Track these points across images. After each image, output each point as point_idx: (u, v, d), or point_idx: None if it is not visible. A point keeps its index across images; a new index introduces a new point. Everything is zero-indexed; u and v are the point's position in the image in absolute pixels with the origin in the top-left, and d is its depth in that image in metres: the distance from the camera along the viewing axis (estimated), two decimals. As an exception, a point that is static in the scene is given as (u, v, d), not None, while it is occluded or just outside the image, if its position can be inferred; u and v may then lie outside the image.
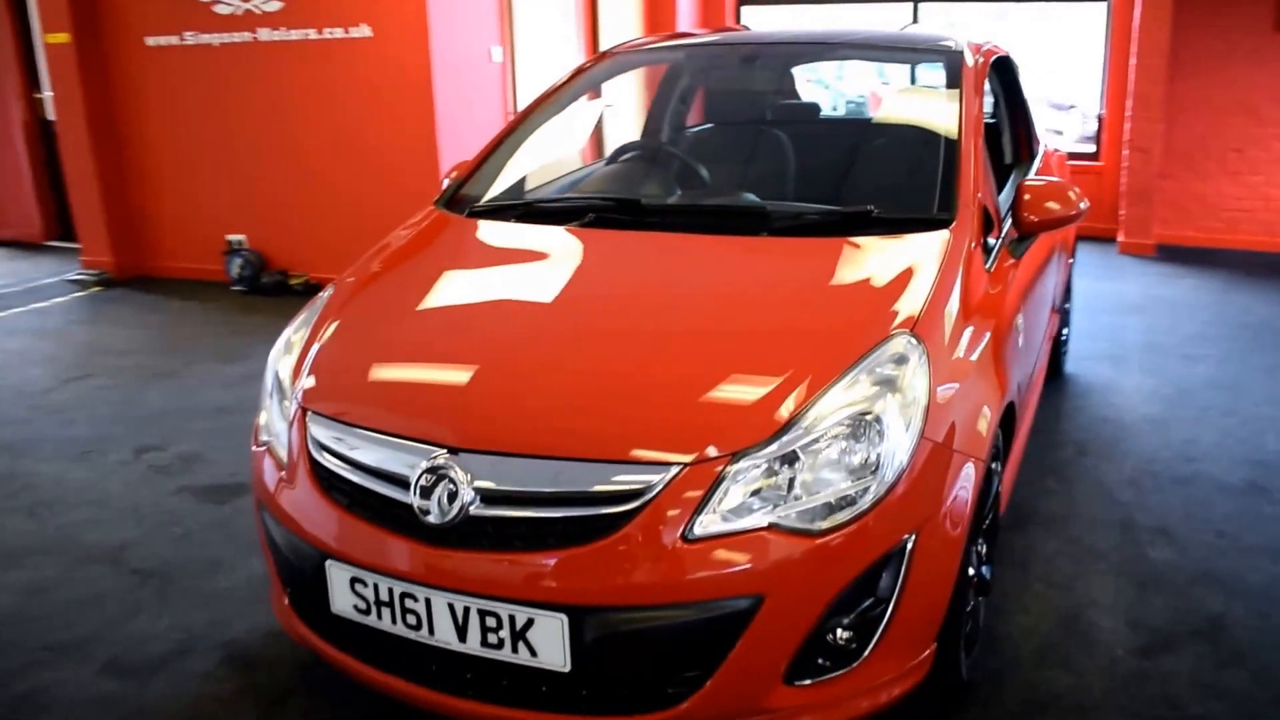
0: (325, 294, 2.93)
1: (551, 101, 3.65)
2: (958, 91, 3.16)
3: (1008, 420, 2.81)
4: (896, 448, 2.16)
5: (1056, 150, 4.96)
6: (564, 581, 2.07)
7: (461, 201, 3.29)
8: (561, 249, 2.95)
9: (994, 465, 2.69)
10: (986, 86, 3.97)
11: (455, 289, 2.86)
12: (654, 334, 2.48)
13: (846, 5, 9.55)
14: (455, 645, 2.18)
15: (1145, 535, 3.50)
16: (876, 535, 2.12)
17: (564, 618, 2.07)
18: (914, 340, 2.31)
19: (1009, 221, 3.11)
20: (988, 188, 3.03)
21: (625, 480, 2.08)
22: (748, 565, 2.05)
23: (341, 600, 2.32)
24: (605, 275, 2.82)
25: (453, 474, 2.16)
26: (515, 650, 2.13)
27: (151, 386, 5.27)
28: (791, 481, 2.11)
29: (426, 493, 2.17)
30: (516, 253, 3.02)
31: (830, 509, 2.10)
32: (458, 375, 2.41)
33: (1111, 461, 4.10)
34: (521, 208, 3.18)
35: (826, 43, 3.89)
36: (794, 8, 9.55)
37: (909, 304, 2.42)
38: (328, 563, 2.32)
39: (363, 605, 2.28)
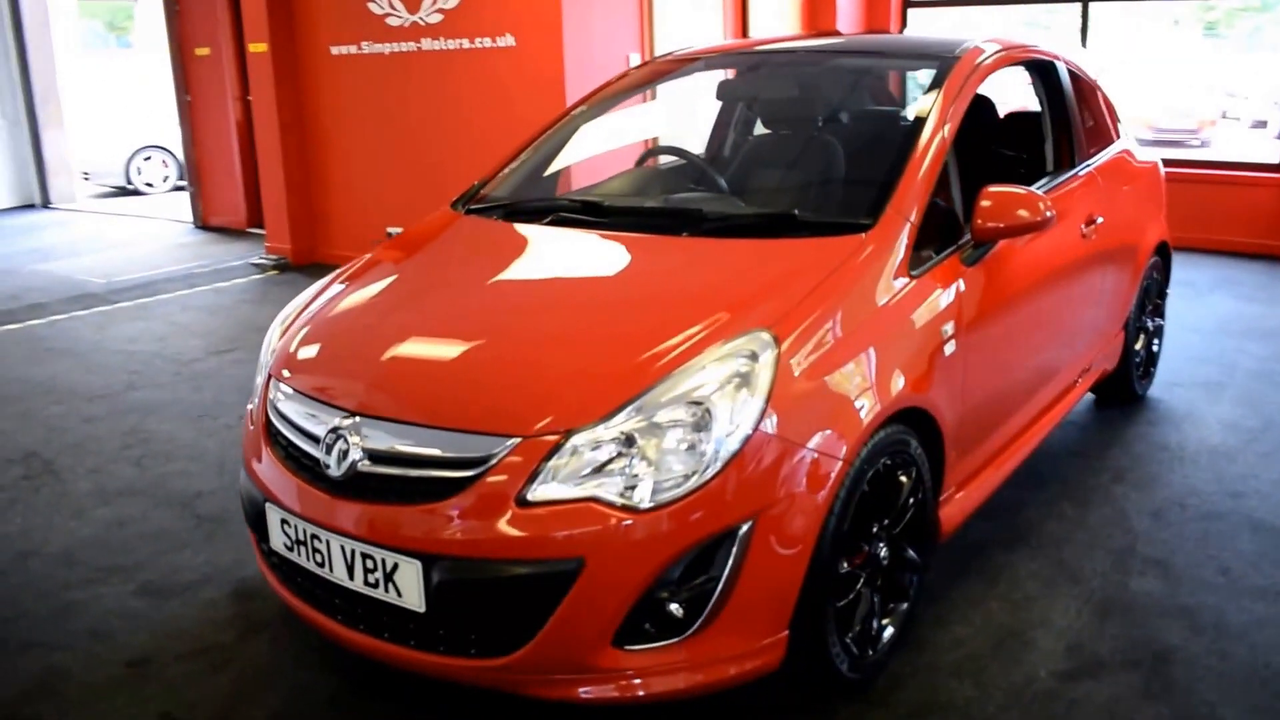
0: (327, 278, 3.32)
1: (587, 107, 3.92)
2: (934, 98, 3.19)
3: (931, 430, 2.83)
4: (727, 437, 2.31)
5: (1151, 162, 4.73)
6: (417, 532, 2.37)
7: (473, 200, 3.61)
8: (511, 245, 3.26)
9: (911, 471, 2.76)
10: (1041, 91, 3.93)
11: (415, 275, 3.22)
12: (546, 322, 2.76)
13: (1015, 6, 9.33)
14: (347, 582, 2.51)
15: (1139, 565, 3.38)
16: (701, 517, 2.29)
17: (418, 563, 2.36)
18: (769, 337, 2.44)
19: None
20: (948, 193, 3.06)
21: (474, 448, 2.36)
22: (570, 531, 2.27)
23: (275, 538, 2.69)
24: (533, 268, 3.13)
25: (348, 435, 2.48)
26: (387, 590, 2.43)
27: (277, 359, 5.89)
28: (625, 459, 2.30)
29: (330, 449, 2.51)
30: (477, 247, 3.34)
31: (655, 488, 2.28)
32: (374, 351, 2.76)
33: (1145, 491, 3.94)
34: (505, 207, 3.47)
35: (829, 50, 3.98)
36: (960, 9, 9.40)
37: (780, 303, 2.56)
38: (267, 505, 2.69)
39: (288, 543, 2.64)
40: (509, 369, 2.56)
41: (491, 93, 7.32)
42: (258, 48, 8.30)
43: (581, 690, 2.39)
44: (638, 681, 2.36)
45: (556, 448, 2.31)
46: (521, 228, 3.31)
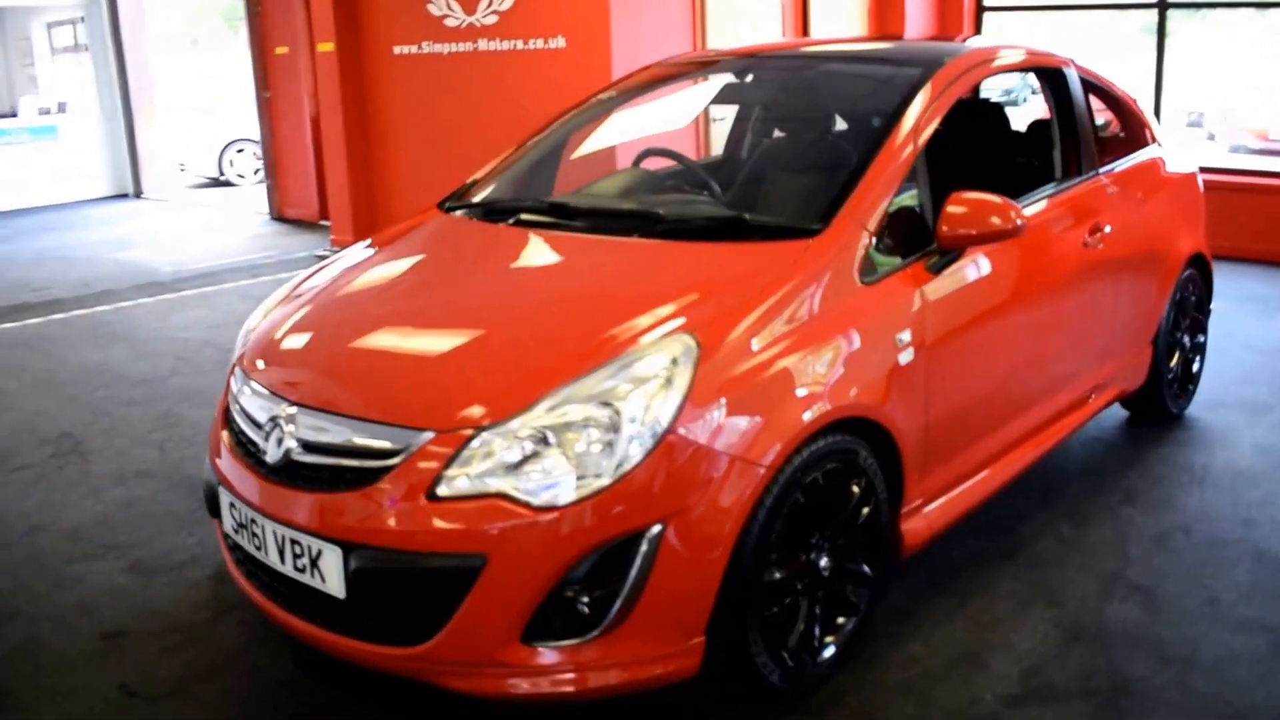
0: (305, 272, 3.42)
1: (583, 110, 3.94)
2: (909, 104, 3.12)
3: (886, 444, 2.77)
4: (636, 439, 2.31)
5: (1187, 171, 4.53)
6: (337, 519, 2.43)
7: (457, 200, 3.66)
8: (472, 245, 3.33)
9: (862, 481, 2.72)
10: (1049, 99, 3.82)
11: (378, 273, 3.27)
12: (482, 320, 2.79)
13: (1089, 11, 9.11)
14: (280, 566, 2.58)
15: (1122, 591, 3.25)
16: (609, 517, 2.29)
17: (339, 551, 2.42)
18: (692, 341, 2.42)
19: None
20: (923, 199, 2.99)
21: (389, 440, 2.41)
22: (475, 527, 2.30)
23: (226, 521, 2.80)
24: (485, 267, 3.17)
25: (284, 424, 2.54)
26: (313, 575, 2.50)
27: (314, 350, 6.05)
28: (536, 457, 2.31)
29: (269, 437, 2.58)
30: (440, 247, 3.40)
31: (564, 487, 2.29)
32: (318, 344, 2.85)
33: (1152, 513, 3.77)
34: (480, 207, 3.52)
35: (822, 56, 3.91)
36: (1036, 14, 9.24)
37: (711, 307, 2.55)
38: (220, 489, 2.78)
39: (234, 526, 2.73)
40: (437, 364, 2.62)
41: (544, 93, 7.38)
42: (325, 47, 8.54)
43: (510, 682, 2.40)
44: (553, 678, 2.37)
45: (468, 442, 2.33)
46: (486, 228, 3.37)
